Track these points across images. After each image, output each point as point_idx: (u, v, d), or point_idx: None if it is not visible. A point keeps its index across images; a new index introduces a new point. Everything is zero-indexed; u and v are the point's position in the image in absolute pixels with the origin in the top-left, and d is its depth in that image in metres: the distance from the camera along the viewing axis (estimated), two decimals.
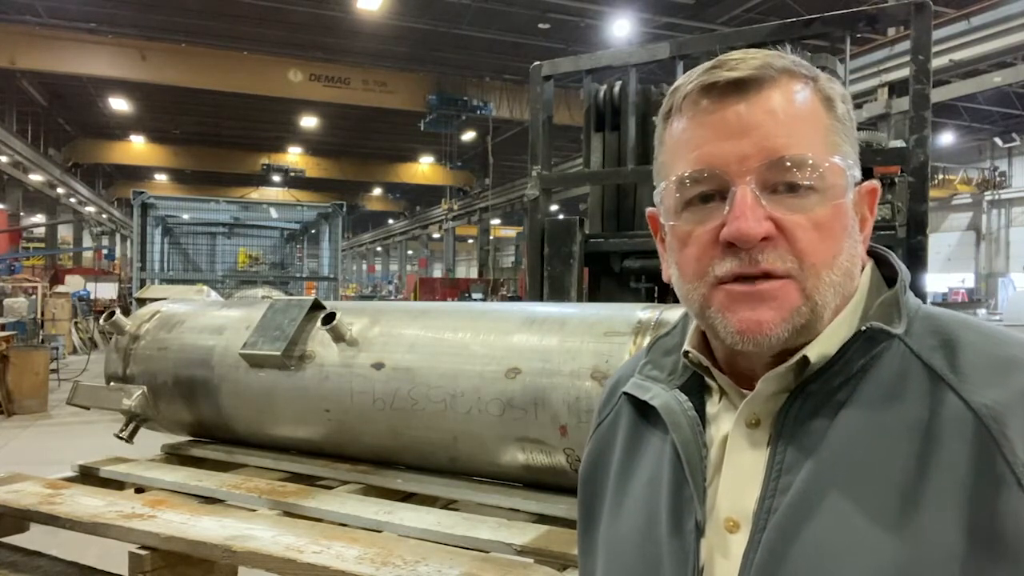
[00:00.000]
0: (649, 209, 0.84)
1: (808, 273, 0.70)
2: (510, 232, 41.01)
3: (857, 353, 0.71)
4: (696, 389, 0.82)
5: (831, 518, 0.66)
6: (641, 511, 0.81)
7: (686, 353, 0.81)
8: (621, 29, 17.24)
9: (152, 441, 2.89)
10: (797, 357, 0.72)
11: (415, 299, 24.66)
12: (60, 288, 18.02)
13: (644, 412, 0.85)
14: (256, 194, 33.82)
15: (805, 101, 0.73)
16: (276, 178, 33.85)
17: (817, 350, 0.72)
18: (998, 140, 26.47)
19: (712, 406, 0.80)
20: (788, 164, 0.70)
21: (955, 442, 0.65)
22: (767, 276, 0.70)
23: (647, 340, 1.93)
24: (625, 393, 0.88)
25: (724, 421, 0.78)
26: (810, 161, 0.71)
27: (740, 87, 0.72)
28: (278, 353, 2.45)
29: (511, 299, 23.19)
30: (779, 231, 0.70)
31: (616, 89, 3.89)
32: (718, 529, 0.74)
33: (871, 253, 0.81)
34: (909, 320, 0.73)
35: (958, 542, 0.62)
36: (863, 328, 0.72)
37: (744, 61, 0.73)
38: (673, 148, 0.77)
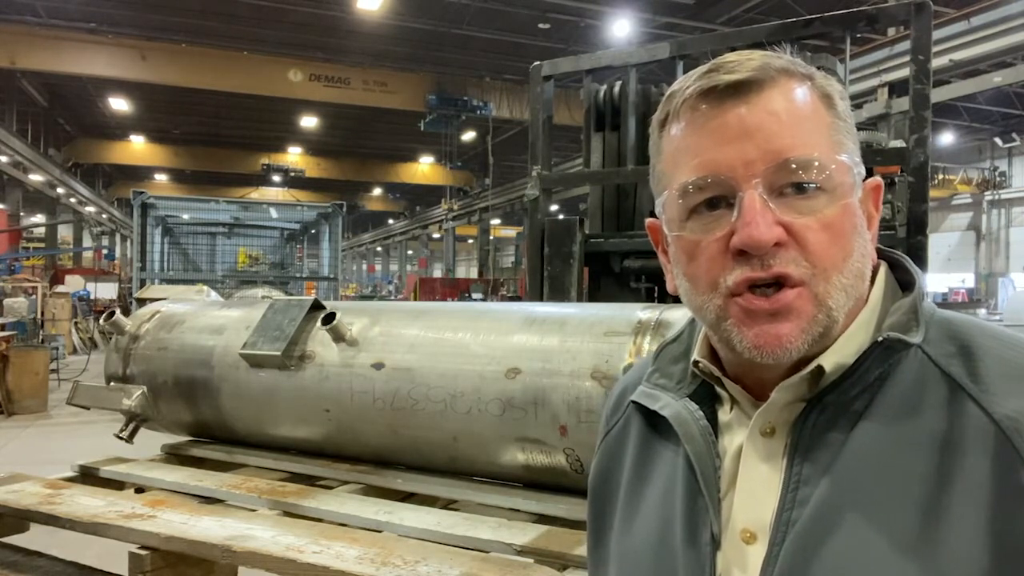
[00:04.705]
0: (649, 220, 0.83)
1: (820, 278, 0.69)
2: (510, 232, 41.00)
3: (874, 363, 0.70)
4: (706, 398, 0.80)
5: (851, 533, 0.65)
6: (655, 522, 0.79)
7: (696, 363, 0.80)
8: (621, 29, 17.23)
9: (152, 441, 2.89)
10: (812, 367, 0.70)
11: (415, 299, 24.66)
12: (60, 288, 18.03)
13: (654, 421, 0.84)
14: (256, 194, 33.83)
15: (805, 100, 0.72)
16: (276, 178, 33.83)
17: (832, 359, 0.71)
18: (998, 140, 26.43)
19: (724, 415, 0.79)
20: (794, 166, 0.69)
21: (976, 455, 0.64)
22: (781, 282, 0.68)
23: (647, 340, 1.93)
24: (633, 402, 0.87)
25: (737, 431, 0.77)
26: (816, 161, 0.69)
27: (739, 89, 0.71)
28: (278, 353, 2.45)
29: (511, 299, 23.18)
30: (790, 235, 0.68)
31: (616, 89, 3.89)
32: (734, 541, 0.73)
33: (885, 256, 0.79)
34: (926, 326, 0.71)
35: (981, 558, 0.61)
36: (880, 339, 0.70)
37: (742, 63, 0.72)
38: (673, 156, 0.75)
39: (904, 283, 0.77)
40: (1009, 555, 0.61)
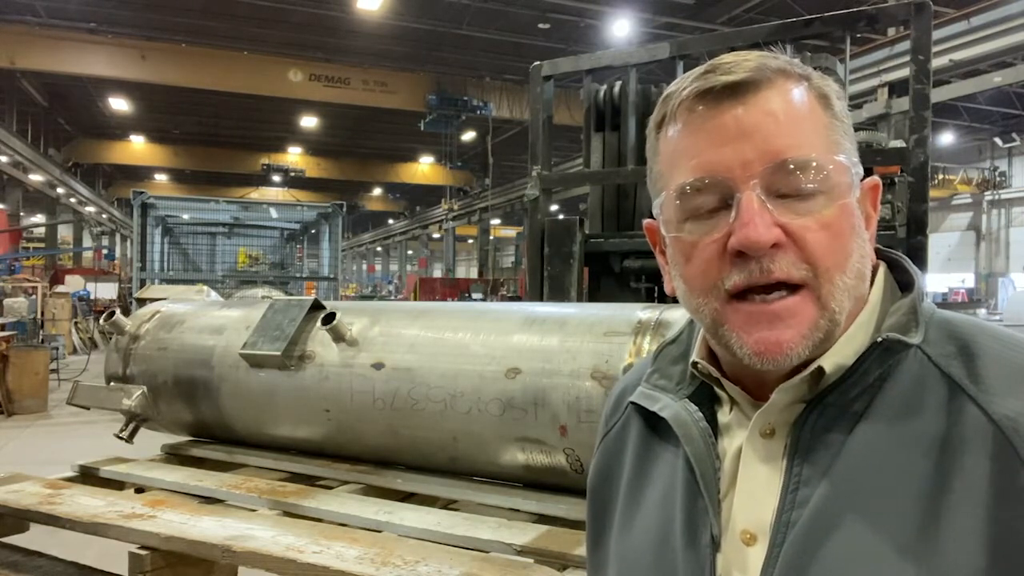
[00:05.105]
0: (646, 221, 0.82)
1: (822, 279, 0.68)
2: (510, 232, 41.02)
3: (874, 364, 0.70)
4: (706, 399, 0.80)
5: (850, 534, 0.65)
6: (654, 524, 0.79)
7: (695, 364, 0.79)
8: (621, 29, 17.24)
9: (152, 441, 2.89)
10: (812, 368, 0.70)
11: (415, 299, 24.66)
12: (60, 288, 18.03)
13: (653, 422, 0.84)
14: (256, 194, 33.83)
15: (802, 101, 0.72)
16: (276, 178, 33.84)
17: (832, 360, 0.70)
18: (998, 140, 26.45)
19: (723, 416, 0.79)
20: (792, 166, 0.69)
21: (976, 455, 0.63)
22: (781, 286, 0.68)
23: (647, 340, 1.93)
24: (633, 403, 0.87)
25: (737, 432, 0.76)
26: (814, 162, 0.69)
27: (736, 90, 0.70)
28: (278, 353, 2.45)
29: (511, 299, 23.18)
30: (788, 237, 0.68)
31: (616, 89, 3.89)
32: (734, 542, 0.72)
33: (884, 257, 0.79)
34: (925, 326, 0.71)
35: (980, 560, 0.61)
36: (880, 339, 0.70)
37: (738, 64, 0.72)
38: (670, 157, 0.75)
39: (903, 283, 0.77)
40: (1009, 556, 0.60)
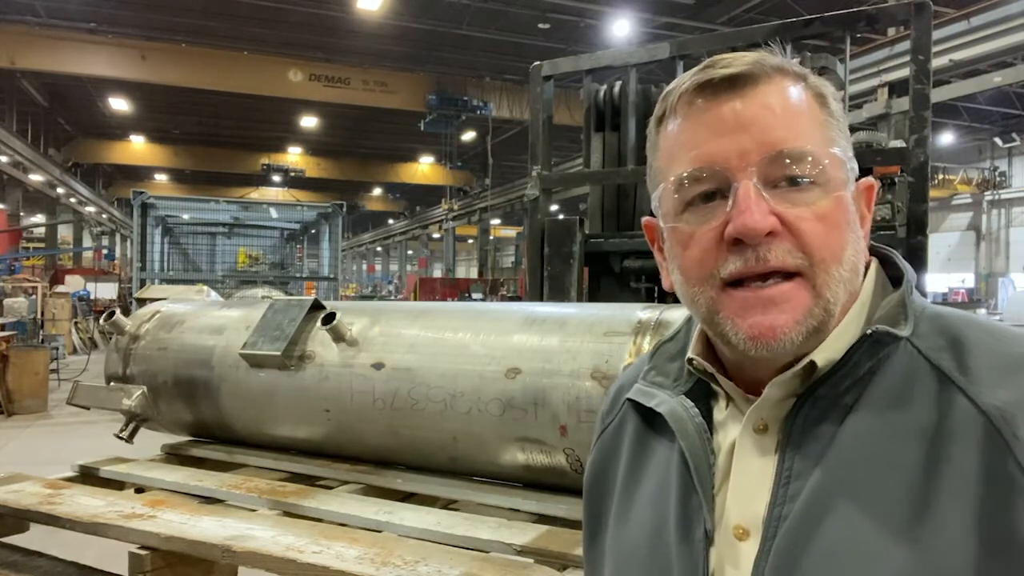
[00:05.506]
0: (645, 218, 0.83)
1: (818, 269, 0.69)
2: (510, 232, 41.03)
3: (864, 356, 0.70)
4: (702, 395, 0.81)
5: (842, 526, 0.65)
6: (649, 519, 0.80)
7: (690, 360, 0.80)
8: (621, 29, 17.23)
9: (152, 441, 2.89)
10: (804, 362, 0.71)
11: (415, 299, 24.65)
12: (60, 288, 18.04)
13: (649, 419, 0.84)
14: (256, 194, 33.80)
15: (800, 98, 0.73)
16: (276, 178, 33.83)
17: (824, 354, 0.71)
18: (998, 140, 26.44)
19: (719, 412, 0.79)
20: (788, 160, 0.70)
21: (965, 445, 0.64)
22: (777, 274, 0.69)
23: (647, 340, 1.93)
24: (630, 399, 0.87)
25: (731, 427, 0.77)
26: (810, 155, 0.70)
27: (734, 83, 0.72)
28: (278, 353, 2.45)
29: (511, 299, 23.17)
30: (783, 226, 0.69)
31: (616, 89, 3.89)
32: (727, 537, 0.73)
33: (876, 253, 0.80)
34: (916, 320, 0.72)
35: (971, 548, 0.61)
36: (869, 332, 0.70)
37: (737, 59, 0.73)
38: (669, 151, 0.76)
39: (895, 279, 0.78)
40: (999, 545, 0.61)
